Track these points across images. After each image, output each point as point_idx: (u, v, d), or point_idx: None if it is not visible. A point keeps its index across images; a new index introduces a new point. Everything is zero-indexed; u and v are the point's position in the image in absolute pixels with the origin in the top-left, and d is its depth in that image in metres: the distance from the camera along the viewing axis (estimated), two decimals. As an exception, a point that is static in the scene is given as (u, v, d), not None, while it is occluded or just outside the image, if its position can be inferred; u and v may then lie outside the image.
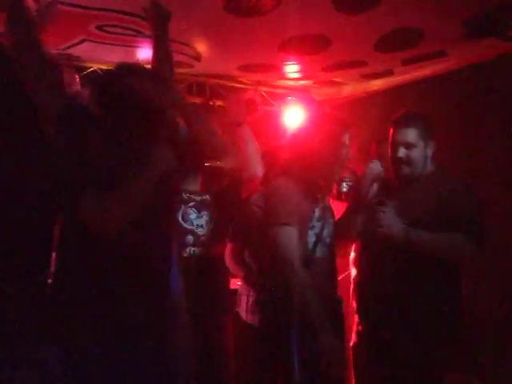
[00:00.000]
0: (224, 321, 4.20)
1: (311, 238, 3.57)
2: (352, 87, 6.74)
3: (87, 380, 2.57)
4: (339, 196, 3.86)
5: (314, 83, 6.75)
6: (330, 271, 3.74)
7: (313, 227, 3.59)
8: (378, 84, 6.47)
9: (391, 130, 3.90)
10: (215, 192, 4.18)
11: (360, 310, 3.99)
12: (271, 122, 6.96)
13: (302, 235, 3.54)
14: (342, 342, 3.63)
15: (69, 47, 5.30)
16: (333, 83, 6.69)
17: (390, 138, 3.89)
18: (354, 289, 4.05)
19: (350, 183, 3.88)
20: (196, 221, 4.05)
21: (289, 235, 3.50)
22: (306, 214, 3.57)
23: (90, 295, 2.59)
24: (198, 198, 4.11)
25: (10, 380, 2.33)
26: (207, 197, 4.14)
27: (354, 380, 4.00)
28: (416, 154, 3.80)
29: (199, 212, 4.08)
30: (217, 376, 4.16)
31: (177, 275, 3.10)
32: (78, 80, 5.75)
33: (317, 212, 3.62)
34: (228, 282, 4.42)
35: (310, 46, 5.05)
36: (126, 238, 2.61)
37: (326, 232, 3.64)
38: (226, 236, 4.39)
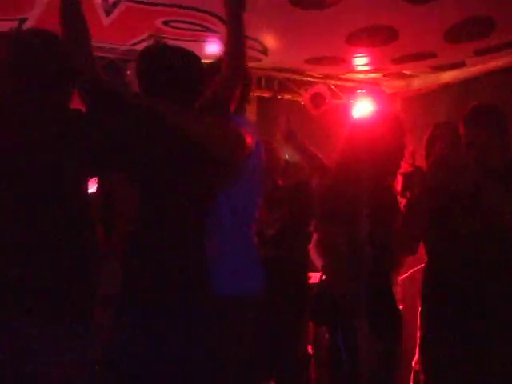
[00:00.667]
0: (294, 322, 4.14)
1: (357, 234, 3.50)
2: (422, 79, 6.62)
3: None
4: (403, 192, 3.77)
5: (384, 76, 6.66)
6: (380, 267, 3.65)
7: (360, 223, 3.50)
8: (449, 76, 6.32)
9: (463, 129, 3.70)
10: (289, 187, 4.10)
11: (429, 305, 3.89)
12: (340, 115, 6.89)
13: (348, 231, 3.47)
14: (388, 339, 3.53)
15: (136, 43, 5.37)
16: (403, 75, 6.59)
17: (463, 138, 3.69)
18: (424, 283, 3.95)
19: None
20: (266, 219, 3.89)
21: (326, 234, 3.49)
22: (353, 211, 3.49)
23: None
24: (270, 195, 3.97)
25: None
26: (280, 193, 4.03)
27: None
28: (492, 153, 3.61)
29: (270, 209, 3.94)
30: (293, 374, 4.16)
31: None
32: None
33: (367, 208, 3.54)
34: (301, 283, 4.28)
35: (377, 37, 4.99)
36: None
37: (376, 228, 3.56)
38: (299, 235, 4.25)
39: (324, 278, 3.73)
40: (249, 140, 2.81)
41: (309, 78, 6.72)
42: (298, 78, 6.65)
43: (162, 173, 2.61)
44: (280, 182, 4.19)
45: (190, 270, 2.66)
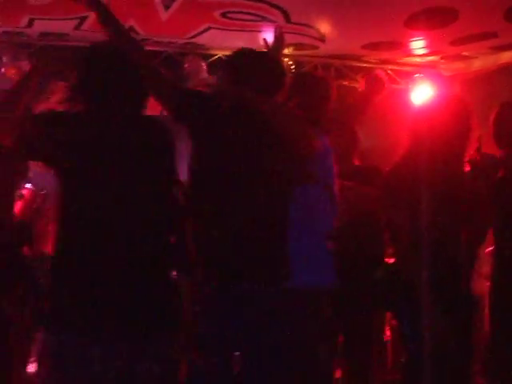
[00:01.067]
0: (365, 310, 4.12)
1: (422, 221, 3.45)
2: (482, 61, 6.50)
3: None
4: (472, 179, 3.68)
5: (442, 58, 6.56)
6: (446, 251, 3.58)
7: (425, 211, 3.44)
8: (509, 56, 6.20)
9: None
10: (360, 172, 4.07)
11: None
12: (399, 100, 6.81)
13: (413, 218, 3.44)
14: (456, 324, 3.48)
15: (195, 36, 5.43)
16: (461, 57, 6.48)
17: None
18: (494, 268, 3.89)
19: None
20: None
21: (391, 218, 3.47)
22: (417, 196, 3.45)
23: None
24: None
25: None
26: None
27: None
28: None
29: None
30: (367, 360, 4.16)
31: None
32: (205, 67, 5.89)
33: (431, 193, 3.47)
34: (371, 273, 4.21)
35: (436, 19, 4.92)
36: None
37: (442, 215, 3.50)
38: (370, 225, 4.20)
39: (391, 262, 3.71)
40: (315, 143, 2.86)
41: (365, 64, 6.65)
42: (354, 64, 6.61)
43: (247, 163, 2.66)
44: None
45: (274, 261, 2.71)
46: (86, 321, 2.23)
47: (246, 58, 2.92)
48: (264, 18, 4.86)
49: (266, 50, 3.31)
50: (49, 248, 5.13)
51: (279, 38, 3.77)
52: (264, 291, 2.66)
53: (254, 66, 2.86)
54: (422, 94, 6.67)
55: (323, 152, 3.02)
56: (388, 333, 4.76)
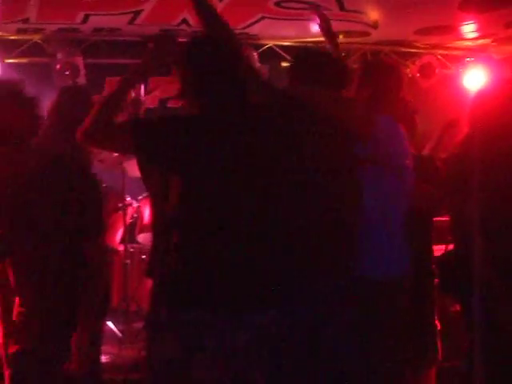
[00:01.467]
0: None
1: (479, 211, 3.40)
2: (534, 43, 6.42)
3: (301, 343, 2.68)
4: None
5: (493, 41, 6.48)
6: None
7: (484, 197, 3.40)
8: None
9: None
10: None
11: None
12: (449, 85, 6.75)
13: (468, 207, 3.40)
14: None
15: (248, 26, 5.44)
16: (513, 40, 6.41)
17: None
18: None
19: None
20: None
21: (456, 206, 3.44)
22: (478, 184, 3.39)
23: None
24: None
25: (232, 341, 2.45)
26: None
27: None
28: None
29: None
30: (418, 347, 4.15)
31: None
32: (256, 57, 5.91)
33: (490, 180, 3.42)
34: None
35: (492, 1, 4.86)
36: None
37: (502, 202, 3.45)
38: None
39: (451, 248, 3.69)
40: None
41: (414, 50, 6.62)
42: (404, 49, 6.56)
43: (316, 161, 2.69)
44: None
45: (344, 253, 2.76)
46: (208, 298, 2.34)
47: (312, 58, 2.94)
48: (318, 7, 4.84)
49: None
50: (110, 240, 5.27)
51: (325, 22, 3.73)
52: (340, 285, 2.72)
53: (319, 65, 2.87)
54: (474, 78, 6.59)
55: (393, 137, 3.04)
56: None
